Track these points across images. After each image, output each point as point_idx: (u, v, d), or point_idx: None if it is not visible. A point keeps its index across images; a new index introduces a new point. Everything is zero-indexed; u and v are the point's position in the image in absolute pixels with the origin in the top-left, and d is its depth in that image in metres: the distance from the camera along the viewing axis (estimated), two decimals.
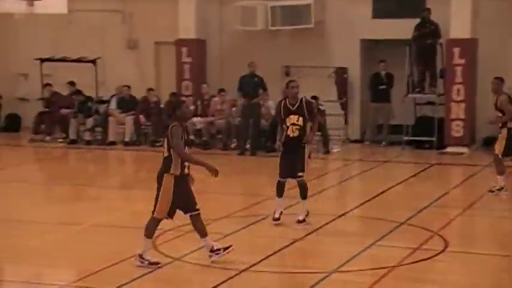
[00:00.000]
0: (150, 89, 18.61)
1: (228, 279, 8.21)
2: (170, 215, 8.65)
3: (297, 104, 10.48)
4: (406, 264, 8.82)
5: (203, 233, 8.77)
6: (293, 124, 10.47)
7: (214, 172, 8.52)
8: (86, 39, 19.66)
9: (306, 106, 10.49)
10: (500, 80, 12.70)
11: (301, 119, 10.44)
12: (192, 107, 18.39)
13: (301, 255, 9.32)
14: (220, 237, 10.02)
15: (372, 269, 8.68)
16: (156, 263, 8.62)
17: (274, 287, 8.08)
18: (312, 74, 18.77)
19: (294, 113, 10.47)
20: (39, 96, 19.76)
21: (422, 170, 15.05)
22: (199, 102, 18.35)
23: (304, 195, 10.69)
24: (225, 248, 8.74)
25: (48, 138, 18.86)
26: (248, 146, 17.30)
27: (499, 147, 12.52)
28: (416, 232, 10.25)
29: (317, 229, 10.40)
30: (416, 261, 8.90)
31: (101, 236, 10.10)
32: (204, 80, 18.82)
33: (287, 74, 18.86)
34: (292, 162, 10.52)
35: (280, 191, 10.72)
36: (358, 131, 18.95)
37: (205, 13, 19.04)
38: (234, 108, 17.90)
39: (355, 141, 18.73)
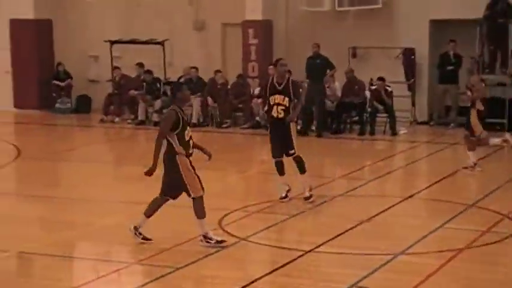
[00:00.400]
0: (217, 71, 18.72)
1: (293, 260, 8.25)
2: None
3: (283, 84, 10.56)
4: (475, 247, 8.71)
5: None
6: (278, 104, 10.52)
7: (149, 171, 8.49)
8: (154, 21, 19.88)
9: (292, 86, 10.56)
10: None
11: (286, 99, 10.51)
12: (257, 89, 18.48)
13: (367, 236, 9.29)
14: (287, 217, 10.07)
15: (439, 251, 8.60)
16: (222, 241, 8.72)
17: (340, 269, 8.08)
18: (379, 55, 18.58)
19: (279, 93, 10.53)
20: (108, 77, 20.10)
21: (492, 152, 14.78)
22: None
23: (302, 170, 10.76)
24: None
25: (117, 119, 19.19)
26: (314, 127, 17.27)
27: None
28: (485, 215, 10.10)
29: (384, 211, 10.35)
30: (485, 244, 8.78)
31: (168, 215, 10.26)
32: (270, 61, 18.82)
33: (354, 55, 18.72)
34: (282, 142, 10.63)
35: (279, 170, 10.83)
36: (426, 112, 18.69)
37: None
38: (300, 90, 17.83)
39: (423, 123, 18.49)
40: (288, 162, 10.89)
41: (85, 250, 9.02)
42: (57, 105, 20.37)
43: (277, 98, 10.52)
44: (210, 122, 18.55)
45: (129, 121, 18.99)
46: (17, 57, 20.35)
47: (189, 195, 8.71)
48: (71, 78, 20.48)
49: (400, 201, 10.95)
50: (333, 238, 9.02)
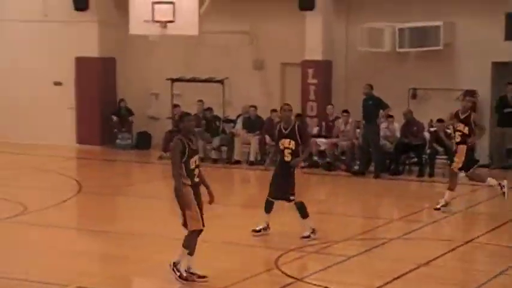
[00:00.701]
0: (273, 110, 18.81)
1: None
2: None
3: (289, 128, 10.84)
4: None
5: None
6: (286, 148, 10.85)
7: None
8: (214, 60, 20.14)
9: (299, 131, 10.82)
10: None
11: (293, 142, 10.75)
12: (315, 128, 18.49)
13: (425, 281, 9.14)
14: (344, 259, 9.99)
15: None
16: (188, 278, 8.72)
17: None
18: (439, 96, 18.43)
19: (285, 137, 10.83)
20: (168, 115, 20.38)
21: None
22: (323, 123, 18.39)
23: (303, 215, 10.88)
24: (200, 276, 8.77)
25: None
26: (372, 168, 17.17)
27: None
28: None
29: (442, 255, 10.17)
30: None
31: (224, 253, 10.28)
32: (329, 101, 18.86)
33: (414, 97, 18.60)
34: (284, 185, 10.84)
35: (268, 208, 11.08)
36: (487, 155, 18.40)
37: (332, 34, 19.10)
38: (358, 130, 17.82)
39: (483, 166, 18.17)
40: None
41: (140, 285, 9.09)
42: (117, 141, 20.72)
43: (285, 141, 10.87)
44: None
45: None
46: (80, 93, 20.82)
47: (186, 227, 8.78)
48: (133, 114, 20.82)
49: (460, 246, 10.75)
50: (390, 281, 8.90)
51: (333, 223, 12.69)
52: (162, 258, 9.83)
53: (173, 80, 20.03)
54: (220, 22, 19.61)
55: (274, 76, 20.11)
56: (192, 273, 8.81)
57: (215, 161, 18.74)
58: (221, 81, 19.66)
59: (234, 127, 19.23)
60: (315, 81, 18.90)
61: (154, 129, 20.96)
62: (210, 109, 19.37)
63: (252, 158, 18.35)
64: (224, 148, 19.04)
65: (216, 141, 18.97)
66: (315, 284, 8.86)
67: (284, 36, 19.51)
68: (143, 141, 20.99)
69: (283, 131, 10.92)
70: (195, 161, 8.78)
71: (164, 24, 17.51)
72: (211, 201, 9.02)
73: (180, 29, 17.49)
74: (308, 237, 10.86)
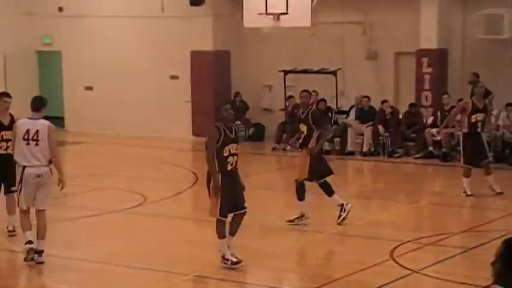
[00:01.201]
0: (383, 101, 18.64)
1: None
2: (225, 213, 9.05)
3: (305, 113, 11.18)
4: None
5: (231, 232, 9.20)
6: (301, 132, 11.22)
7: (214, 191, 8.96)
8: (327, 51, 20.11)
9: (312, 116, 11.07)
10: None
11: (305, 127, 11.13)
12: (431, 118, 18.16)
13: None
14: (462, 251, 9.82)
15: None
16: (238, 262, 8.94)
17: None
18: None
19: (300, 121, 11.24)
20: (281, 106, 20.53)
21: None
22: (439, 113, 18.05)
23: (329, 193, 11.14)
24: (234, 263, 8.99)
25: (289, 147, 19.52)
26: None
27: None
28: None
29: None
30: None
31: (340, 244, 10.31)
32: (445, 90, 18.48)
33: None
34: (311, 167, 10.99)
35: (301, 193, 11.24)
36: None
37: (448, 22, 18.70)
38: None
39: None
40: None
41: (257, 276, 9.23)
42: None
43: (301, 126, 11.20)
44: (381, 151, 18.44)
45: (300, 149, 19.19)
46: (196, 87, 21.28)
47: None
48: (248, 108, 21.06)
49: None
50: None
51: (450, 214, 12.48)
52: (276, 250, 9.97)
53: (286, 72, 20.15)
54: (333, 13, 19.56)
55: (388, 66, 19.88)
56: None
57: (328, 152, 18.73)
58: (334, 72, 19.61)
59: (347, 118, 19.17)
60: (429, 70, 18.56)
61: (268, 121, 21.15)
62: (323, 100, 19.38)
63: (365, 149, 18.25)
64: (337, 139, 19.02)
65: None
66: (432, 276, 8.76)
67: (398, 25, 19.25)
68: (257, 133, 21.23)
69: (301, 115, 11.30)
70: (229, 150, 9.04)
71: (277, 16, 17.63)
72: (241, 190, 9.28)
73: (293, 21, 17.56)
74: (292, 221, 11.12)
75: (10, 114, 10.47)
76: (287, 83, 20.31)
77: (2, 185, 10.62)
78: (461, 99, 17.65)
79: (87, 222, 11.81)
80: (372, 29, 19.90)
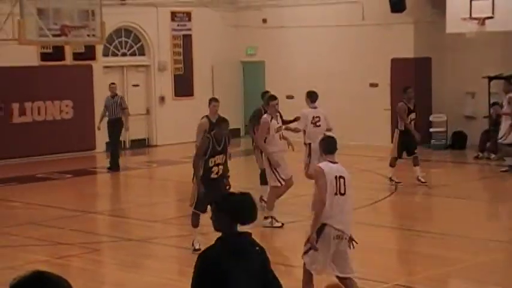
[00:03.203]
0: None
1: None
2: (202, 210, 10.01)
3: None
4: None
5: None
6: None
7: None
8: None
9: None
10: None
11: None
12: None
13: None
14: None
15: None
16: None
17: None
18: None
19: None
20: (485, 114, 19.82)
21: None
22: None
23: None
24: (195, 249, 9.85)
25: (493, 156, 18.79)
26: None
27: None
28: None
29: None
30: None
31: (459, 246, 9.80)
32: None
33: None
34: None
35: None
36: None
37: None
38: None
39: None
40: None
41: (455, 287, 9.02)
42: (432, 141, 20.65)
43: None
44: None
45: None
46: (396, 95, 21.06)
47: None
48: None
49: None
50: None
51: None
52: (478, 260, 9.67)
53: (490, 78, 19.43)
54: None
55: None
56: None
57: None
58: None
59: None
60: None
61: (470, 128, 20.51)
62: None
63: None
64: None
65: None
66: None
67: None
68: (459, 141, 20.66)
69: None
70: (215, 161, 10.03)
71: (482, 20, 17.11)
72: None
73: (499, 25, 16.96)
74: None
75: (219, 115, 12.13)
76: (491, 90, 19.58)
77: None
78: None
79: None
80: None
